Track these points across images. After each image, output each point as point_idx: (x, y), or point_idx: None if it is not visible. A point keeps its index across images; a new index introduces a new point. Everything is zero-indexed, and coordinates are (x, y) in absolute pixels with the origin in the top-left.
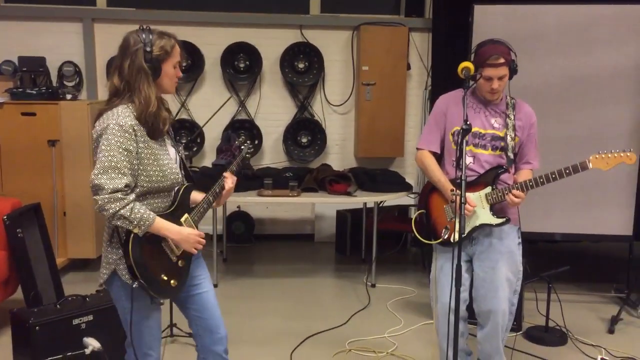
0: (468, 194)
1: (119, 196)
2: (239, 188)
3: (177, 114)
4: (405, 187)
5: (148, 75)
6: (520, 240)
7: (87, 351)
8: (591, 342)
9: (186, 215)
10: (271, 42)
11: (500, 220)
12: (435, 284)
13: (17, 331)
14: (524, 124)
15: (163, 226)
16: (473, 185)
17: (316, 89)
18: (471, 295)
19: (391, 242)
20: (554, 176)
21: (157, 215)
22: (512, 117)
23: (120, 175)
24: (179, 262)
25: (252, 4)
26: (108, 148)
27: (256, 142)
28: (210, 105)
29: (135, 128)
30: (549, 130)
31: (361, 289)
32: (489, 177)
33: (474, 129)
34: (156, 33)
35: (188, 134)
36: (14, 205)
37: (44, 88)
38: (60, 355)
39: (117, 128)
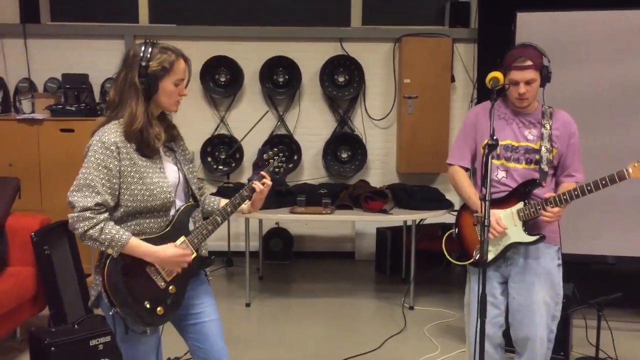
0: (498, 211)
1: (88, 215)
2: (271, 204)
3: (215, 129)
4: (445, 205)
5: (138, 91)
6: (560, 261)
7: None
8: None
9: (183, 237)
10: (310, 55)
11: (533, 238)
12: (469, 308)
13: (35, 351)
14: (562, 134)
15: (139, 248)
16: (504, 202)
17: (356, 103)
18: (507, 320)
19: (433, 262)
20: (589, 188)
21: (149, 236)
22: (548, 127)
23: (93, 194)
24: (170, 288)
25: (292, 18)
26: (87, 165)
27: (295, 157)
28: (249, 120)
29: (120, 145)
30: (601, 142)
31: (399, 311)
32: (521, 192)
33: (506, 142)
34: (158, 47)
35: (227, 149)
36: (42, 222)
37: (83, 105)
38: None
39: (99, 145)
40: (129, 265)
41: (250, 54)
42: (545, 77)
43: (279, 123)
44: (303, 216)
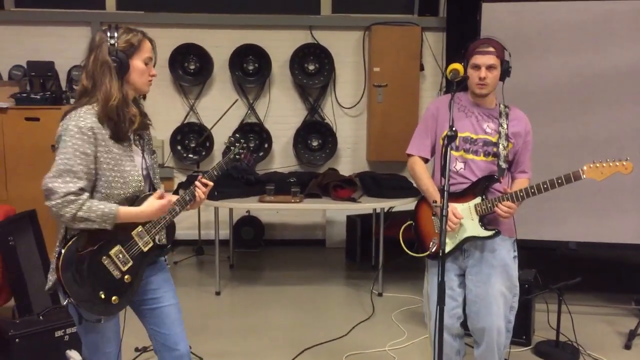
0: (456, 205)
1: (72, 198)
2: (241, 193)
3: (185, 118)
4: (413, 193)
5: (111, 69)
6: (516, 253)
7: None
8: (605, 358)
9: (140, 227)
10: (280, 43)
11: (489, 233)
12: (428, 299)
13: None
14: (519, 131)
15: (130, 214)
16: (462, 196)
17: (327, 91)
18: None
19: (402, 249)
20: (545, 186)
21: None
22: (505, 125)
23: (75, 179)
24: (125, 277)
25: (261, 5)
26: (64, 151)
27: (265, 146)
28: (219, 109)
29: (96, 130)
30: (562, 133)
31: (367, 297)
32: (479, 187)
33: (465, 134)
34: (123, 28)
35: (197, 138)
36: (7, 212)
37: (48, 93)
38: None
39: (75, 130)
40: (84, 256)
41: (220, 42)
42: (505, 70)
43: (249, 111)
44: (272, 205)
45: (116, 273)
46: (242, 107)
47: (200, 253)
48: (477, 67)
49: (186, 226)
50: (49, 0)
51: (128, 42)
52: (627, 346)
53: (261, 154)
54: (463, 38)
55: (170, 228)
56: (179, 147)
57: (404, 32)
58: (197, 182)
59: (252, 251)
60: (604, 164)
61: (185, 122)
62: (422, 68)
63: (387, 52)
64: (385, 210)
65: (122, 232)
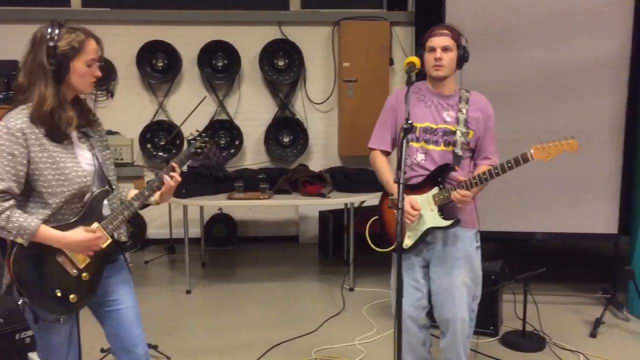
0: (415, 197)
1: None
2: (210, 191)
3: (154, 116)
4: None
5: (47, 73)
6: (478, 244)
7: None
8: (570, 347)
9: (96, 223)
10: (249, 39)
11: (449, 222)
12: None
13: None
14: (479, 116)
15: (47, 235)
16: (421, 187)
17: (297, 87)
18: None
19: (374, 244)
20: (496, 171)
21: (61, 224)
22: (464, 111)
23: None
24: (83, 274)
25: (229, 1)
26: None
27: (237, 142)
28: (189, 106)
29: (26, 131)
30: (528, 125)
31: (339, 293)
32: (436, 178)
33: (425, 124)
34: (66, 27)
35: (166, 135)
36: None
37: (12, 92)
38: None
39: (4, 131)
40: (37, 254)
41: (188, 38)
42: (462, 56)
43: (219, 108)
44: (241, 202)
45: (73, 271)
46: (212, 104)
47: (171, 252)
48: (432, 49)
49: (157, 225)
50: None
51: (69, 44)
52: (593, 334)
53: (232, 151)
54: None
55: (140, 227)
56: (149, 146)
57: (373, 26)
58: (164, 173)
59: (225, 249)
60: (550, 144)
61: (155, 120)
62: (391, 62)
63: (356, 47)
64: (356, 205)
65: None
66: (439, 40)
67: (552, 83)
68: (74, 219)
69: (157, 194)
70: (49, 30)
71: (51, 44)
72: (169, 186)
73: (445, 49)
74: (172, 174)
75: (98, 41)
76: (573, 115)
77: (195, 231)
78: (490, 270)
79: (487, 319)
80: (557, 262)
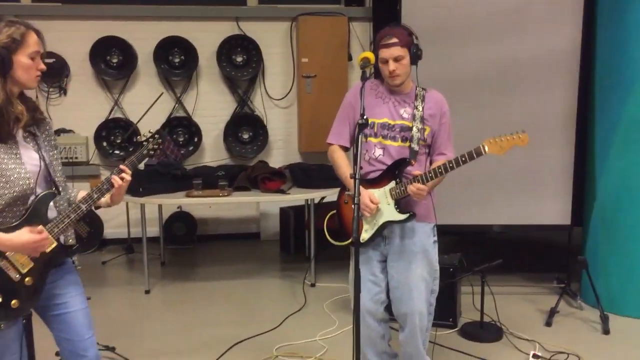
0: (373, 191)
1: None
2: (168, 189)
3: (110, 113)
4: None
5: None
6: (435, 238)
7: None
8: (527, 336)
9: (41, 226)
10: (207, 35)
11: (405, 216)
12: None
13: None
14: (434, 113)
15: None
16: (378, 182)
17: (256, 83)
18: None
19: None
20: (451, 165)
21: (2, 227)
22: (420, 108)
23: None
24: (26, 279)
25: None
26: None
27: (195, 139)
28: (145, 103)
29: None
30: (484, 120)
31: (300, 289)
32: (393, 172)
33: (382, 120)
34: (5, 21)
35: (123, 133)
36: None
37: None
38: None
39: None
40: None
41: (144, 34)
42: (415, 54)
43: (176, 105)
44: (200, 199)
45: (15, 275)
46: (170, 100)
47: (130, 252)
48: (385, 61)
49: (115, 224)
50: None
51: (10, 37)
52: (548, 323)
53: (191, 148)
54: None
55: (97, 227)
56: (105, 144)
57: (331, 22)
58: (113, 175)
59: (185, 247)
60: (503, 138)
61: (110, 117)
62: (350, 58)
63: (315, 42)
64: (316, 201)
65: None
66: (390, 52)
67: (507, 77)
68: (16, 222)
69: (107, 196)
70: None
71: None
72: (118, 187)
73: (397, 59)
74: (121, 175)
75: (39, 34)
76: (527, 109)
77: (154, 230)
78: (448, 263)
79: (445, 311)
80: (513, 254)
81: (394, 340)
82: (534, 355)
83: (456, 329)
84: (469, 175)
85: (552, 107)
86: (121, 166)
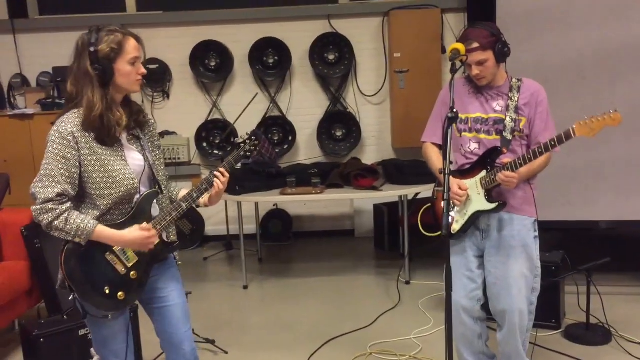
0: (464, 181)
1: (50, 207)
2: (263, 187)
3: (209, 115)
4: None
5: (92, 79)
6: (536, 233)
7: None
8: (638, 340)
9: (149, 224)
10: (299, 34)
11: (493, 205)
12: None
13: (26, 343)
14: (529, 102)
15: (104, 234)
16: (470, 172)
17: (348, 80)
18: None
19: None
20: (540, 150)
21: (110, 223)
22: (515, 99)
23: (53, 184)
24: (131, 273)
25: None
26: (46, 156)
27: (290, 138)
28: (242, 104)
29: (77, 135)
30: (585, 108)
31: (395, 286)
32: (484, 161)
33: (476, 115)
34: (105, 31)
35: (221, 133)
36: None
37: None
38: None
39: (57, 135)
40: (87, 252)
41: (239, 37)
42: (501, 52)
43: (271, 105)
44: (293, 197)
45: (121, 269)
46: (265, 100)
47: (229, 248)
48: (469, 65)
49: (215, 222)
50: (70, 6)
51: (109, 46)
52: None
53: (285, 146)
54: (485, 17)
55: (199, 225)
56: (204, 144)
57: (424, 15)
58: (215, 172)
59: (281, 244)
60: (593, 119)
61: (209, 118)
62: (443, 51)
63: (407, 36)
64: (410, 198)
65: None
66: (472, 57)
67: (610, 63)
68: (123, 219)
69: (205, 197)
70: (89, 36)
71: (92, 49)
72: (217, 189)
73: (479, 63)
74: (221, 178)
75: (137, 39)
76: (632, 94)
77: (251, 227)
78: (550, 261)
79: (548, 311)
80: (622, 252)
81: (491, 341)
82: None
83: (560, 331)
84: (573, 167)
85: None
86: (220, 169)
